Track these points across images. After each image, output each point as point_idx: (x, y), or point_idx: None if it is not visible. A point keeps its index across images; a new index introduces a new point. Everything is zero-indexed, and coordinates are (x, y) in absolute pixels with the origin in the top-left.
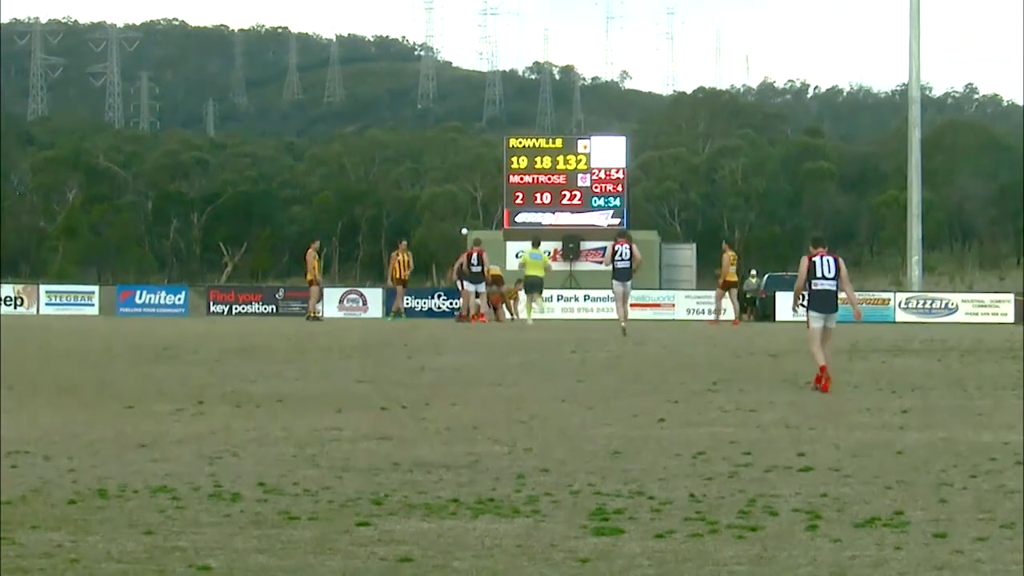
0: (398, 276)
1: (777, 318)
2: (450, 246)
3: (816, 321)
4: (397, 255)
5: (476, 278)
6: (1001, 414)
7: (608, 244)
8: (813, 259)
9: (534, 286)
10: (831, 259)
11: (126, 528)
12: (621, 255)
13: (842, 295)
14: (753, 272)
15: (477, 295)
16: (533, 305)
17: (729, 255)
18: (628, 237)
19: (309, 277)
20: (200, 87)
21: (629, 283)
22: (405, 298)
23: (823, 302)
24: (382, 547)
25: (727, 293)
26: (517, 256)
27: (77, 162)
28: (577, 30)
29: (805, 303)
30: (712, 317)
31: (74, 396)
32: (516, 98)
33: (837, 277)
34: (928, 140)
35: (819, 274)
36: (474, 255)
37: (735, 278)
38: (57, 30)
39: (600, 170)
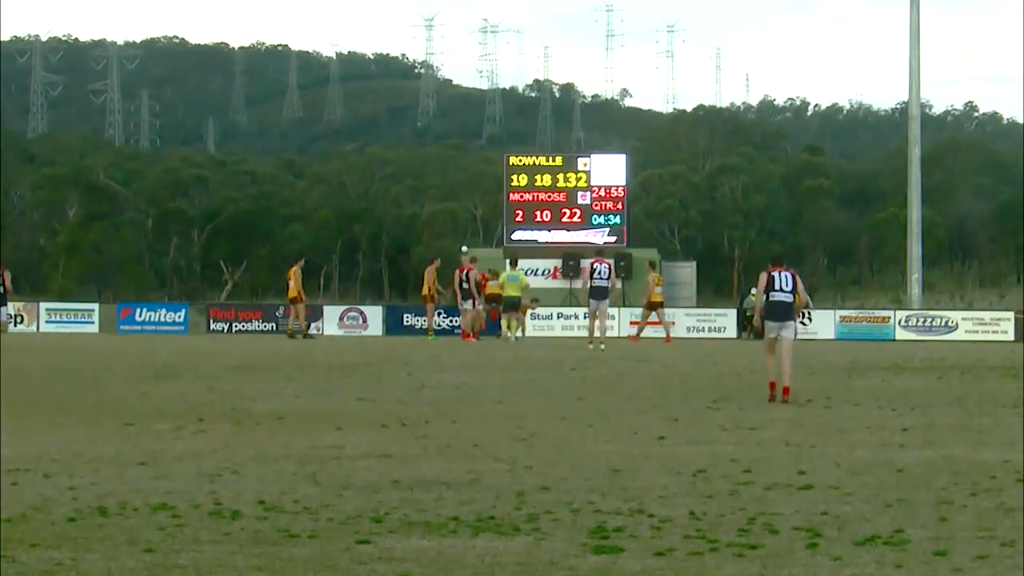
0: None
1: None
2: (450, 263)
3: (771, 331)
4: (432, 272)
5: (465, 295)
6: (1001, 432)
7: (590, 262)
8: (772, 274)
9: (512, 306)
10: (788, 274)
11: (126, 546)
12: (599, 273)
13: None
14: (753, 290)
15: (466, 312)
16: (512, 323)
17: (653, 276)
18: (606, 257)
19: (293, 295)
20: (200, 105)
21: (606, 301)
22: (406, 315)
23: (778, 312)
24: (382, 565)
25: (654, 312)
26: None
27: (77, 179)
28: (577, 48)
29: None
30: (634, 333)
31: (74, 414)
32: (516, 116)
33: (794, 291)
34: (928, 158)
35: (777, 287)
36: (464, 272)
37: (660, 298)
38: (57, 48)
39: (600, 188)
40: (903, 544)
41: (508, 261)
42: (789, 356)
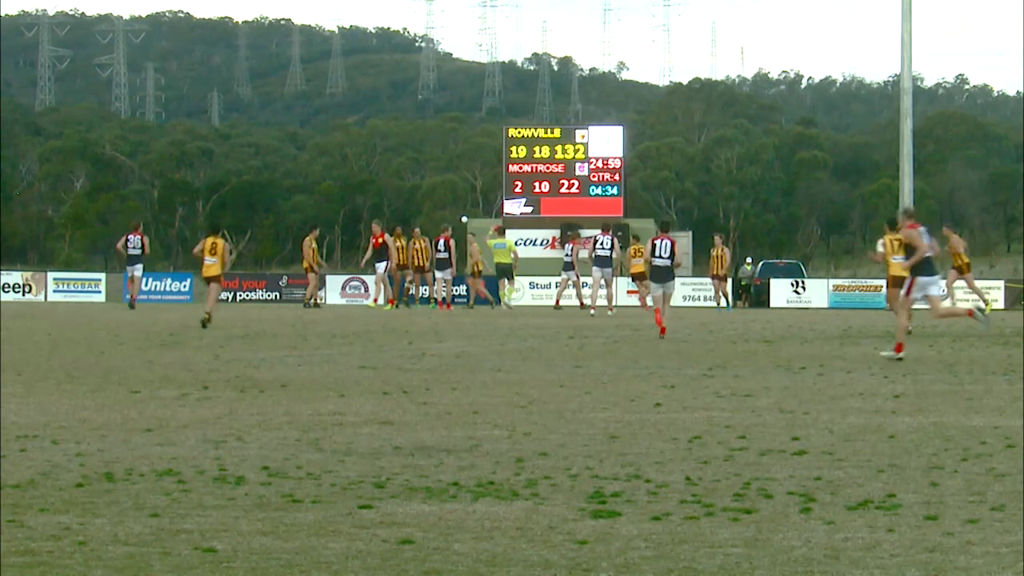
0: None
1: (771, 304)
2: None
3: (656, 290)
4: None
5: (442, 264)
6: (991, 398)
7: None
8: (655, 241)
9: (503, 273)
10: (668, 242)
11: (133, 511)
12: (602, 244)
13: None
14: (748, 260)
15: (445, 282)
16: (508, 290)
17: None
18: (613, 231)
19: (306, 264)
20: (205, 78)
21: (608, 270)
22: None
23: (660, 275)
24: (384, 529)
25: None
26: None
27: (84, 152)
28: (575, 22)
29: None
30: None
31: (81, 382)
32: (515, 89)
33: (672, 255)
34: (920, 130)
35: (657, 254)
36: (440, 241)
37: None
38: (64, 22)
39: (598, 159)
40: (895, 508)
41: (499, 230)
42: (668, 304)
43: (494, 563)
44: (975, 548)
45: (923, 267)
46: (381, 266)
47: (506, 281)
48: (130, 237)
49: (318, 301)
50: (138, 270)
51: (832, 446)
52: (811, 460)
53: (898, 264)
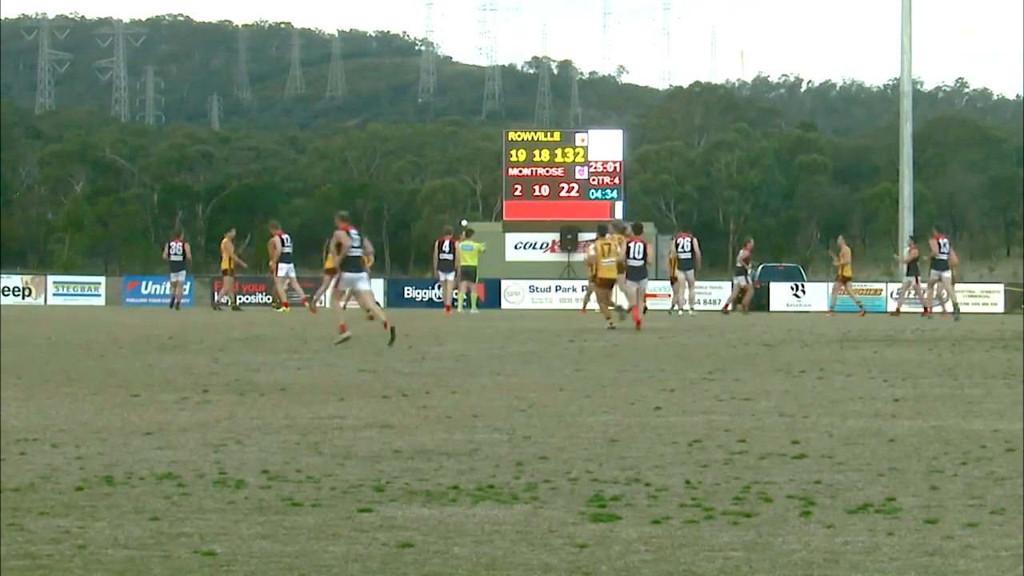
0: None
1: (771, 308)
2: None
3: (631, 286)
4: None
5: (446, 266)
6: (991, 402)
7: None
8: (629, 243)
9: (467, 275)
10: (641, 245)
11: (132, 514)
12: (683, 248)
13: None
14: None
15: (447, 283)
16: (472, 294)
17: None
18: (687, 233)
19: (225, 265)
20: (204, 82)
21: (691, 271)
22: (407, 288)
23: (634, 274)
24: (383, 533)
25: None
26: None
27: (84, 155)
28: (575, 25)
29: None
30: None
31: (81, 385)
32: (515, 92)
33: (644, 256)
34: (919, 134)
35: (631, 255)
36: (445, 242)
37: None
38: (64, 25)
39: (597, 163)
40: (895, 512)
41: (464, 232)
42: (640, 299)
43: (494, 567)
44: (975, 552)
45: (348, 265)
46: (285, 268)
47: (469, 284)
48: (172, 244)
49: (231, 302)
50: (181, 275)
51: (832, 450)
52: (811, 464)
53: (606, 267)
